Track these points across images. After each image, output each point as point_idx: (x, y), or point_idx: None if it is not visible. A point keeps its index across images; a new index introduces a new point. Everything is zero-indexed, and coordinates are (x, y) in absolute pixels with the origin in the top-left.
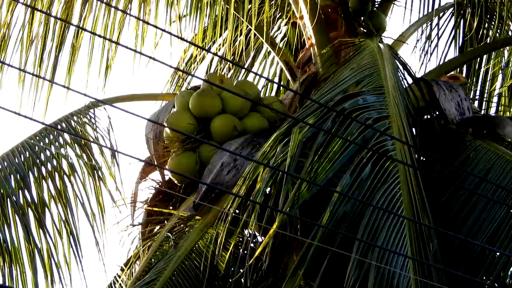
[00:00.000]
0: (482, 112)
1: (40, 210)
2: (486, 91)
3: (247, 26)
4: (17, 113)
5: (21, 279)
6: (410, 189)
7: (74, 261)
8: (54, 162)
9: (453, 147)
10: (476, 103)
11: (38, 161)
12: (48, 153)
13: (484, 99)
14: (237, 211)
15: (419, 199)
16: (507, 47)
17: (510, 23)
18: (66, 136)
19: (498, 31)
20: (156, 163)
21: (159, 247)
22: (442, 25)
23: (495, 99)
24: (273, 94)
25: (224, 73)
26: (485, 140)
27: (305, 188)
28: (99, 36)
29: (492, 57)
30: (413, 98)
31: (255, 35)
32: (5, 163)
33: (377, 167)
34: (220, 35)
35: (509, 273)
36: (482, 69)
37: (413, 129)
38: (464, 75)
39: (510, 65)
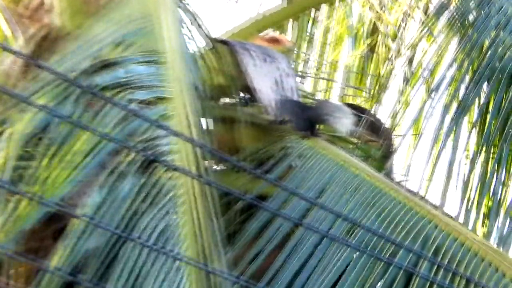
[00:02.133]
0: (319, 95)
1: None
2: (324, 61)
3: None
4: None
5: None
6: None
7: None
8: None
9: (265, 148)
10: (308, 81)
11: None
12: None
13: (321, 74)
14: None
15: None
16: None
17: None
18: None
19: None
20: None
21: None
22: None
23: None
24: None
25: None
26: (317, 140)
27: None
28: None
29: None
30: (206, 72)
31: None
32: None
33: (144, 180)
34: None
35: None
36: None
37: (204, 120)
38: (289, 37)
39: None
